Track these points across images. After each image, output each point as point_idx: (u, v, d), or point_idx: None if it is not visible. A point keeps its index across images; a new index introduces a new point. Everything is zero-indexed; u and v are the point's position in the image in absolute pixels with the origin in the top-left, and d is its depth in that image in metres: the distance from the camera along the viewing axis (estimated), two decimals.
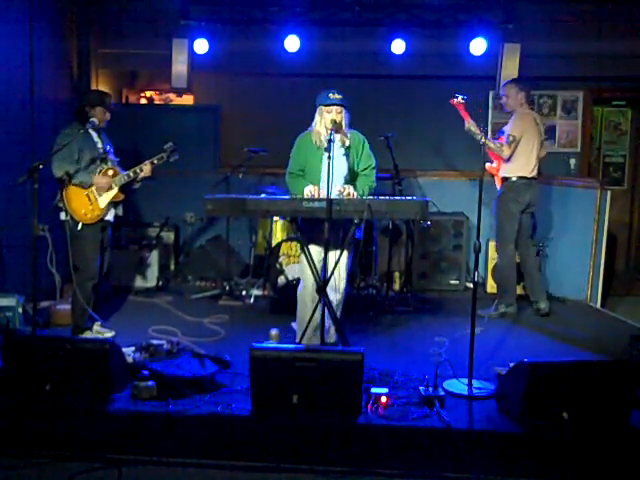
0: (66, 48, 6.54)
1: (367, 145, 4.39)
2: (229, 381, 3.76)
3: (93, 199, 4.61)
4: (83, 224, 4.57)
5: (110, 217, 4.77)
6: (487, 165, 5.57)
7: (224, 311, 5.60)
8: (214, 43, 6.47)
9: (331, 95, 4.17)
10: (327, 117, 4.16)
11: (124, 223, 6.49)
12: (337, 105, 4.17)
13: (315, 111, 4.28)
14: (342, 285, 4.33)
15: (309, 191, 4.14)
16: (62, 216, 4.57)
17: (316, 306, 3.96)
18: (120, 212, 4.90)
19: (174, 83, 6.53)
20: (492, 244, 6.21)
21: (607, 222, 6.06)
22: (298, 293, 4.41)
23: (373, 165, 4.39)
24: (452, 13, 6.39)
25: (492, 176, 5.68)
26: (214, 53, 6.52)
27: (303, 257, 4.22)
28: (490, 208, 5.59)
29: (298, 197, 4.09)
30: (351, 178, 4.36)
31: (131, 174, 4.68)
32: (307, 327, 4.06)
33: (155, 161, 4.70)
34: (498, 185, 5.62)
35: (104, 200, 4.64)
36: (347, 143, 4.31)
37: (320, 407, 3.31)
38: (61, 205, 4.54)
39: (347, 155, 4.32)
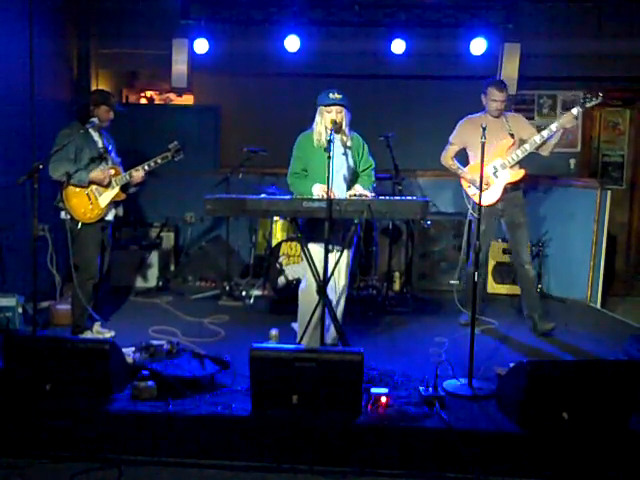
0: (66, 48, 6.54)
1: (367, 148, 4.44)
2: (229, 381, 3.76)
3: (93, 198, 4.60)
4: (83, 223, 4.56)
5: (110, 217, 4.77)
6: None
7: (224, 311, 5.60)
8: (214, 43, 6.47)
9: (331, 95, 4.17)
10: (327, 117, 4.16)
11: (125, 223, 6.51)
12: (337, 105, 4.17)
13: (316, 111, 4.28)
14: (344, 284, 4.34)
15: (319, 190, 4.11)
16: (62, 215, 4.57)
17: (316, 306, 3.96)
18: (120, 212, 4.90)
19: (174, 83, 6.53)
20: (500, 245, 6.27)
21: (607, 222, 6.06)
22: (300, 293, 4.41)
23: (373, 166, 4.46)
24: (452, 13, 6.39)
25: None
26: (214, 53, 6.51)
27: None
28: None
29: (301, 197, 4.05)
30: (351, 178, 4.37)
31: (127, 177, 4.68)
32: (307, 327, 4.06)
33: (152, 164, 4.71)
34: (501, 193, 4.95)
35: (105, 199, 4.64)
36: (348, 143, 4.31)
37: (320, 407, 3.31)
38: (61, 205, 4.54)
39: (347, 155, 4.32)
